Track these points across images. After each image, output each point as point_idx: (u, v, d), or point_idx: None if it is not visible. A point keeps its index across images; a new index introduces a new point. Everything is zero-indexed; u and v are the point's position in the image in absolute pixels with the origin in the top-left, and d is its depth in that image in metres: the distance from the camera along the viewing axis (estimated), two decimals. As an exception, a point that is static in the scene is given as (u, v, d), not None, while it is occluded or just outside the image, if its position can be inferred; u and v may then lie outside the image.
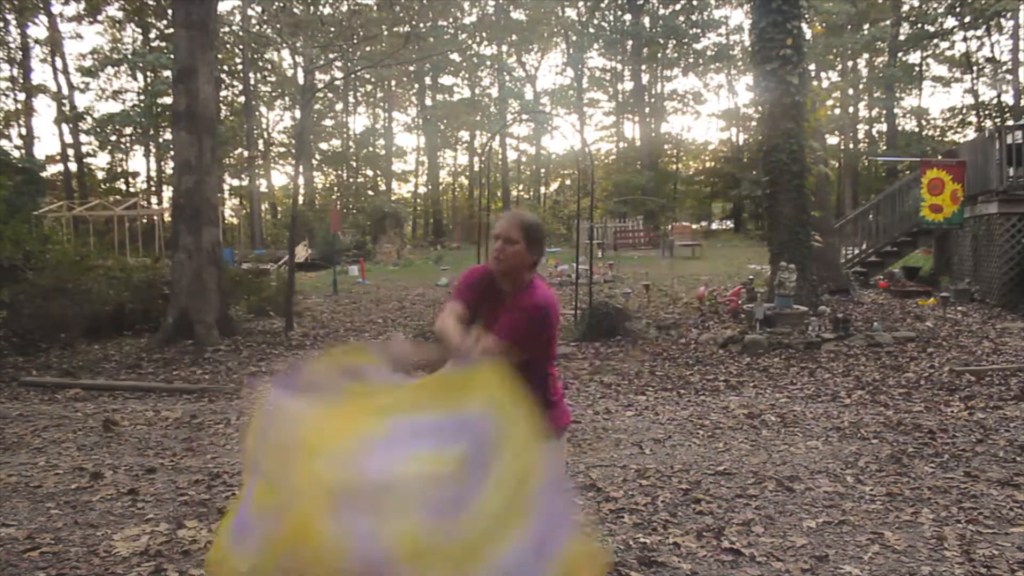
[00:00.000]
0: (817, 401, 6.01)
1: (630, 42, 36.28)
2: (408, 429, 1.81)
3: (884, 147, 33.71)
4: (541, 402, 2.32)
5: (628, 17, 36.50)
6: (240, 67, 33.92)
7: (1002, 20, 29.39)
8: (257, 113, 37.25)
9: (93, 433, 5.44)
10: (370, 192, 40.27)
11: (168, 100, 28.49)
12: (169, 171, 31.83)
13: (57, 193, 31.83)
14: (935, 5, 31.54)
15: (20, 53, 32.38)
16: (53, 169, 34.45)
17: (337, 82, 27.30)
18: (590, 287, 9.75)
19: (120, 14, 34.39)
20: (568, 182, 40.93)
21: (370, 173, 42.14)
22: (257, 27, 28.79)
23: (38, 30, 40.24)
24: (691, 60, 38.14)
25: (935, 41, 33.28)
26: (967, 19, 30.43)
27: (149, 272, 11.27)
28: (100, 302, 9.66)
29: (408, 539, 1.66)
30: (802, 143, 10.03)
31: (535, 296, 2.30)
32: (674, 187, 39.12)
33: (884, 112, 35.07)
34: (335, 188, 42.63)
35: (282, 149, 39.10)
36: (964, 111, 35.43)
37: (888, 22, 31.67)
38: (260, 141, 36.70)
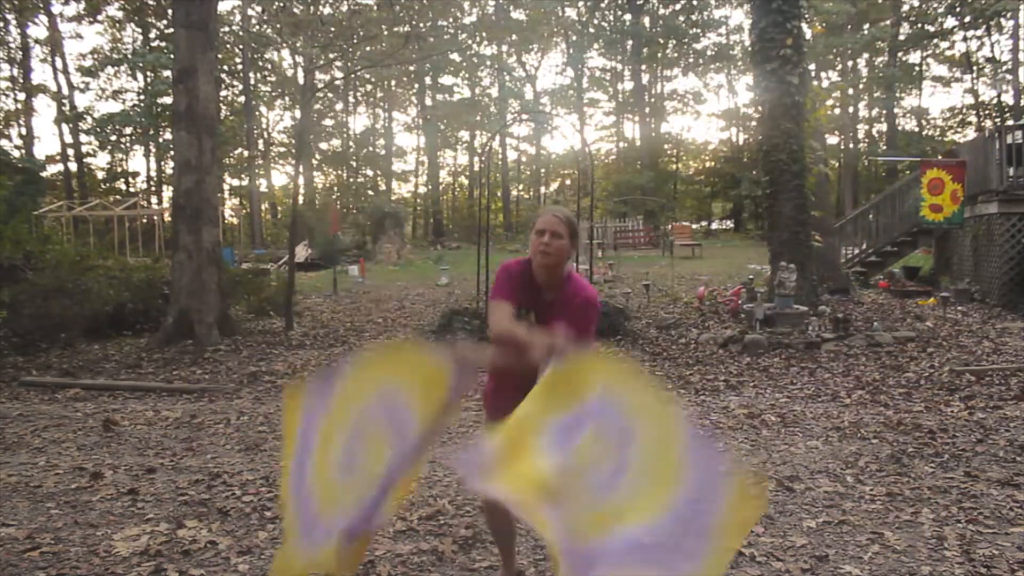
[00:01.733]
0: (817, 401, 6.01)
1: (630, 42, 36.30)
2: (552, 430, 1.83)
3: (884, 147, 33.73)
4: None
5: (628, 17, 36.53)
6: (240, 67, 33.92)
7: (1002, 20, 29.43)
8: (257, 113, 37.26)
9: (93, 433, 5.44)
10: (370, 192, 40.28)
11: (168, 100, 28.52)
12: (169, 171, 31.86)
13: (57, 193, 31.84)
14: (935, 5, 31.58)
15: (20, 53, 32.44)
16: (53, 169, 34.52)
17: (337, 82, 27.28)
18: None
19: (120, 14, 34.43)
20: (568, 182, 40.96)
21: (370, 173, 42.15)
22: (257, 27, 28.79)
23: (38, 30, 40.34)
24: (691, 60, 38.19)
25: (935, 41, 33.34)
26: (967, 19, 30.45)
27: (149, 272, 11.24)
28: (100, 302, 9.64)
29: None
30: (802, 143, 10.03)
31: (588, 289, 2.48)
32: (674, 187, 39.12)
33: (884, 112, 35.11)
34: (335, 188, 42.62)
35: (282, 149, 39.13)
36: (964, 111, 35.51)
37: (888, 22, 31.69)
38: (260, 141, 36.71)
